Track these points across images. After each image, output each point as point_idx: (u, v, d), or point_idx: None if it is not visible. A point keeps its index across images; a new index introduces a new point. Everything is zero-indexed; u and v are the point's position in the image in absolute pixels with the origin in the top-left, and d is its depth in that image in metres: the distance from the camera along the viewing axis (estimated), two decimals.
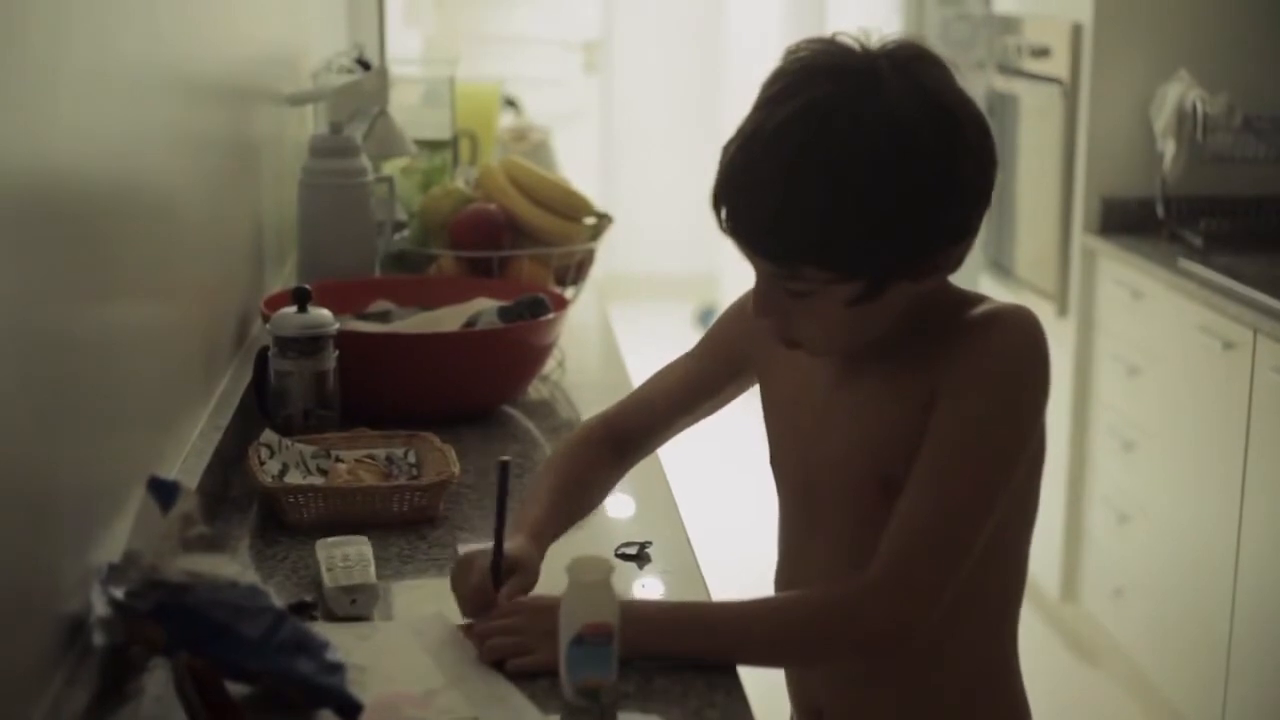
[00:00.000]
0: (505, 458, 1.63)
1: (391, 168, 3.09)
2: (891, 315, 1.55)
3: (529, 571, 1.64)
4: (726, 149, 1.53)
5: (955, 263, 1.55)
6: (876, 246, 1.48)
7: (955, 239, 1.52)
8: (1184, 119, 3.88)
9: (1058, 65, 4.18)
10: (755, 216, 1.51)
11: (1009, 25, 4.55)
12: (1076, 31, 4.10)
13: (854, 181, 1.45)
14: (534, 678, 1.53)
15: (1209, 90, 3.88)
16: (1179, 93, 3.90)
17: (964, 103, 1.51)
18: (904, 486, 1.54)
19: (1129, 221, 4.05)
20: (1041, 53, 4.28)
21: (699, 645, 1.57)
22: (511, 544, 1.66)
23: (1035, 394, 1.54)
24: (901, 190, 1.46)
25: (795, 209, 1.47)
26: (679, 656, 1.56)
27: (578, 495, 1.83)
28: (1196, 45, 4.05)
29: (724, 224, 1.54)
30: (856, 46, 1.50)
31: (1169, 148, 3.92)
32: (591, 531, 2.01)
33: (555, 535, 1.75)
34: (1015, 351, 1.53)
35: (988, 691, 1.67)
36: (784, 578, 1.77)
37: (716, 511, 5.10)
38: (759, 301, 1.58)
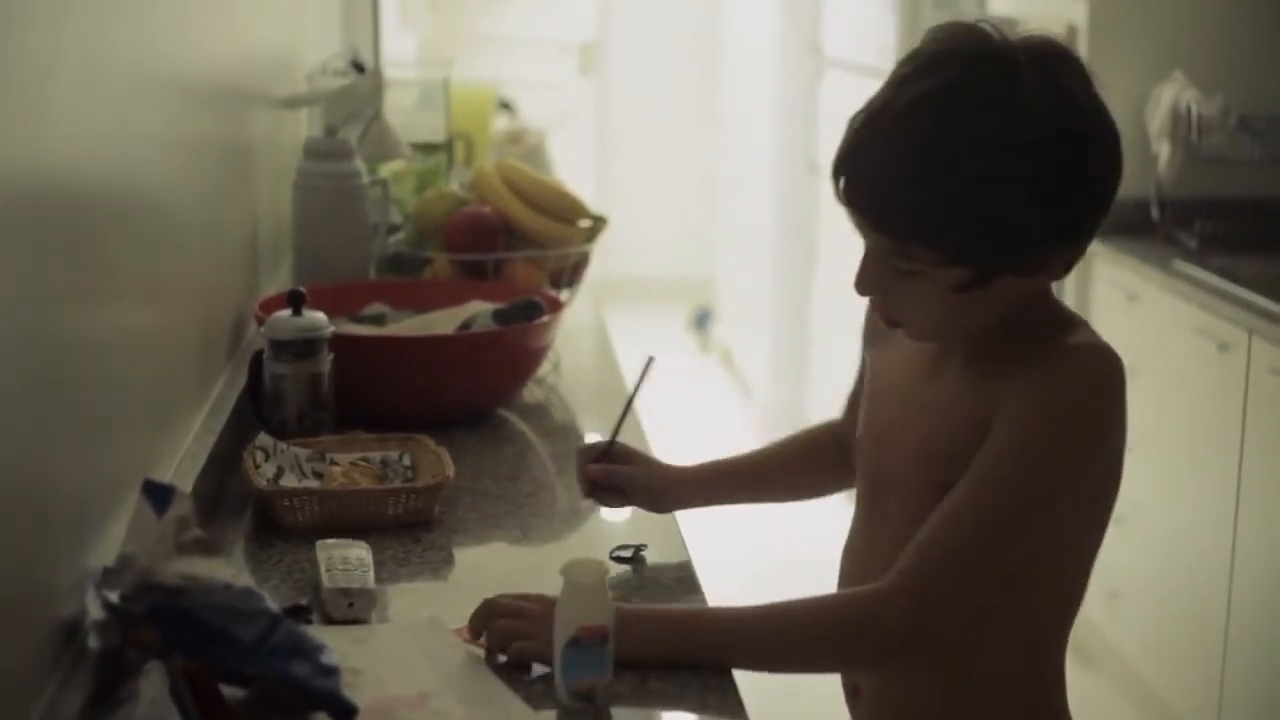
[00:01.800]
0: (653, 356, 1.82)
1: (386, 172, 3.09)
2: (993, 310, 1.55)
3: (630, 477, 1.85)
4: (852, 122, 1.53)
5: (1065, 267, 1.55)
6: (990, 234, 1.48)
7: (1069, 240, 1.52)
8: (1179, 120, 3.88)
9: None
10: (875, 190, 1.50)
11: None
12: (1071, 33, 4.10)
13: (977, 166, 1.45)
14: (530, 681, 1.53)
15: (1204, 91, 3.88)
16: (1173, 94, 3.90)
17: (1096, 104, 1.51)
18: None
19: (1124, 223, 4.04)
20: None
21: (715, 652, 1.57)
22: (645, 466, 1.87)
23: (1095, 432, 1.53)
24: (1022, 181, 1.46)
25: (915, 186, 1.47)
26: (694, 664, 1.55)
27: (757, 473, 1.96)
28: (1191, 46, 4.05)
29: (841, 194, 1.54)
30: (996, 35, 1.51)
31: (1164, 149, 3.92)
32: (587, 534, 2.02)
33: (700, 493, 1.91)
34: (1079, 389, 1.52)
35: (1032, 707, 1.65)
36: (845, 567, 1.76)
37: (712, 514, 5.10)
38: (862, 278, 1.58)
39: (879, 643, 1.55)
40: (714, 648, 1.57)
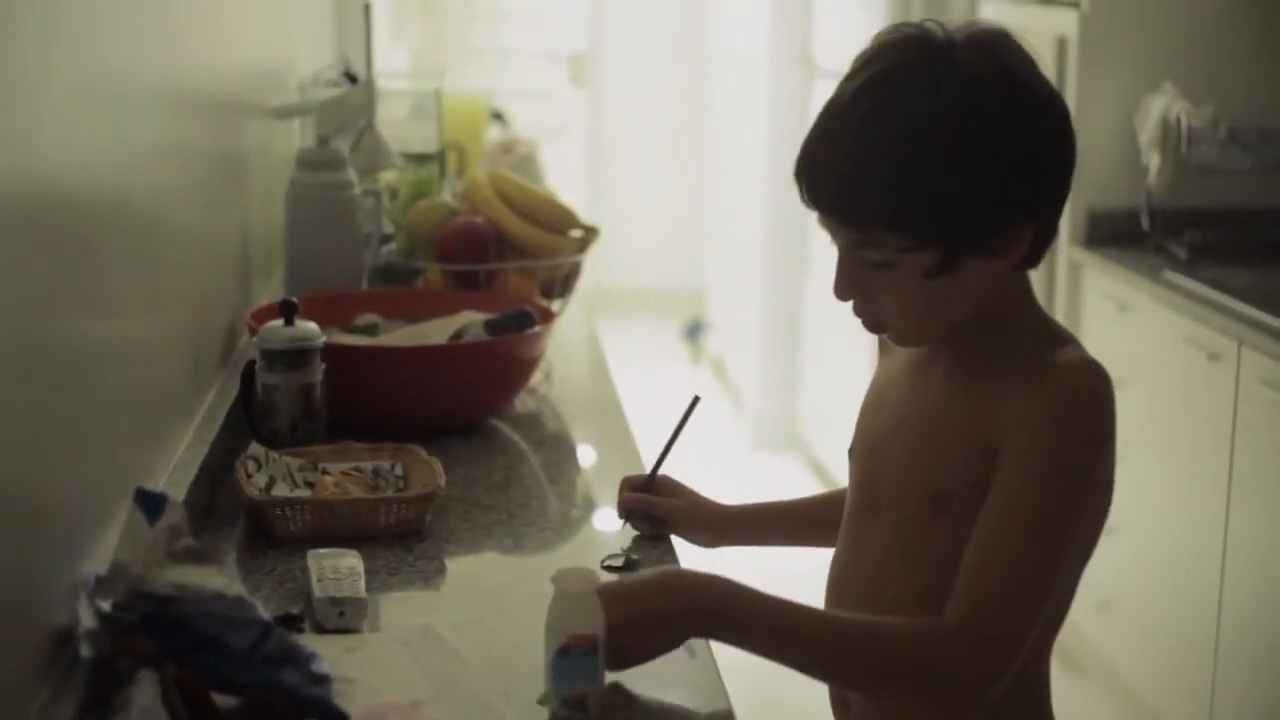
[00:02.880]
0: (699, 396, 1.92)
1: (381, 180, 3.09)
2: (969, 299, 1.55)
3: (671, 509, 1.91)
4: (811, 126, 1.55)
5: (1032, 251, 1.54)
6: (946, 211, 1.49)
7: (1026, 213, 1.51)
8: (1169, 131, 3.89)
9: None
10: (830, 183, 1.52)
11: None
12: (1061, 44, 4.11)
13: (923, 145, 1.47)
14: (520, 689, 1.54)
15: (1193, 102, 3.90)
16: (1163, 105, 3.91)
17: (1038, 78, 1.52)
18: (953, 508, 1.55)
19: (1114, 234, 4.06)
20: None
21: (797, 663, 1.55)
22: (688, 500, 1.92)
23: (1096, 448, 1.53)
24: (969, 154, 1.47)
25: (867, 173, 1.49)
26: (755, 654, 1.54)
27: (805, 516, 1.94)
28: (1180, 57, 4.06)
29: (804, 197, 1.55)
30: (936, 27, 1.52)
31: (1154, 160, 3.93)
32: (578, 543, 2.03)
33: (744, 532, 1.95)
34: (1085, 408, 1.52)
35: (1018, 707, 1.64)
36: (834, 574, 1.76)
37: None
38: (838, 281, 1.59)
39: (958, 687, 1.51)
40: (796, 658, 1.55)
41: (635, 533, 1.96)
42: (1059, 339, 1.59)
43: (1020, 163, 1.49)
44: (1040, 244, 1.55)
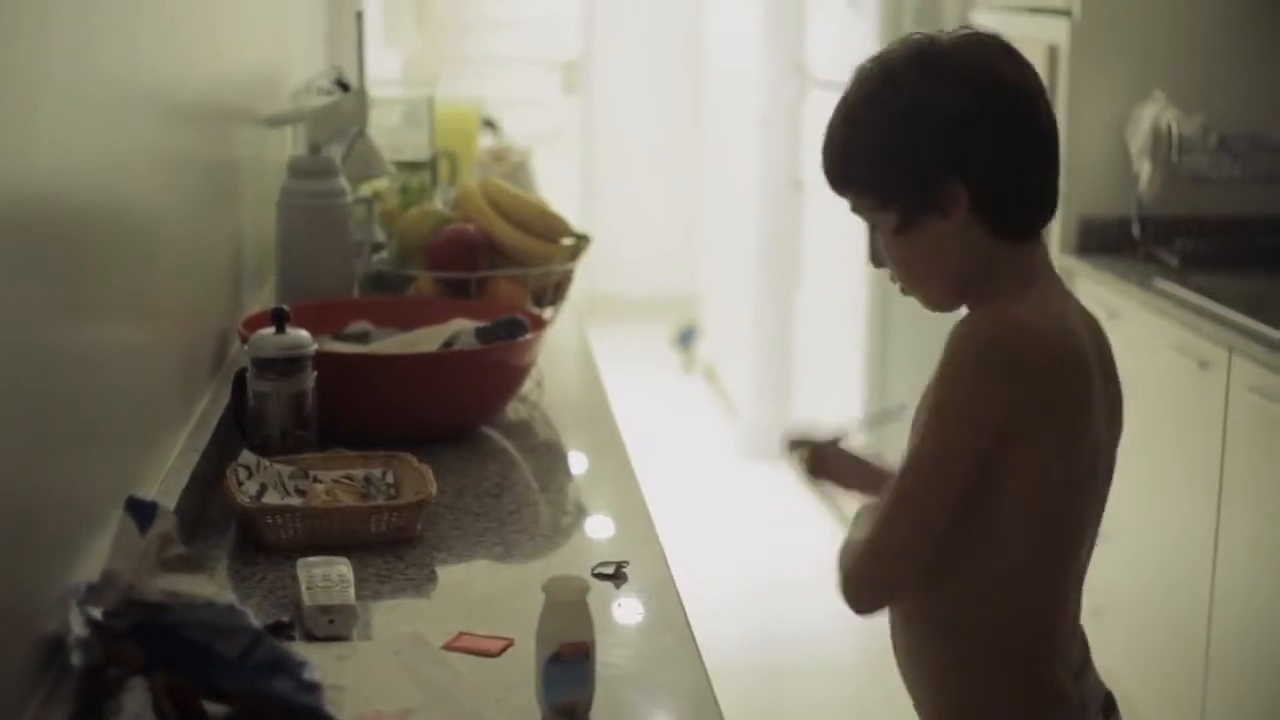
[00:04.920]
0: (906, 405, 1.91)
1: (381, 187, 3.09)
2: (948, 258, 1.72)
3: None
4: None
5: (987, 212, 1.69)
6: (885, 172, 1.71)
7: (957, 173, 1.67)
8: (1159, 140, 3.90)
9: None
10: (829, 159, 1.78)
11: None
12: (1052, 53, 4.12)
13: (857, 115, 1.73)
14: (511, 697, 1.54)
15: (1184, 111, 3.90)
16: (1154, 114, 3.92)
17: (956, 51, 1.71)
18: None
19: (1105, 241, 4.07)
20: None
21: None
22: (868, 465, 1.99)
23: (982, 390, 1.64)
24: (886, 117, 1.70)
25: (834, 146, 1.76)
26: None
27: None
28: (1171, 66, 4.07)
29: (826, 180, 1.79)
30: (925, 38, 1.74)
31: (1144, 168, 3.94)
32: (569, 551, 2.03)
33: None
34: (971, 353, 1.65)
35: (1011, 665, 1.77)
36: None
37: (695, 532, 5.10)
38: (869, 253, 1.81)
39: (843, 596, 1.73)
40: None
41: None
42: (1017, 296, 1.70)
43: (936, 127, 1.68)
44: (995, 208, 1.69)
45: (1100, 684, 1.87)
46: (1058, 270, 1.82)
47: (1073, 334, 1.68)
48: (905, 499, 1.67)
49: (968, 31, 1.75)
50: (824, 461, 1.99)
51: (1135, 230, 4.01)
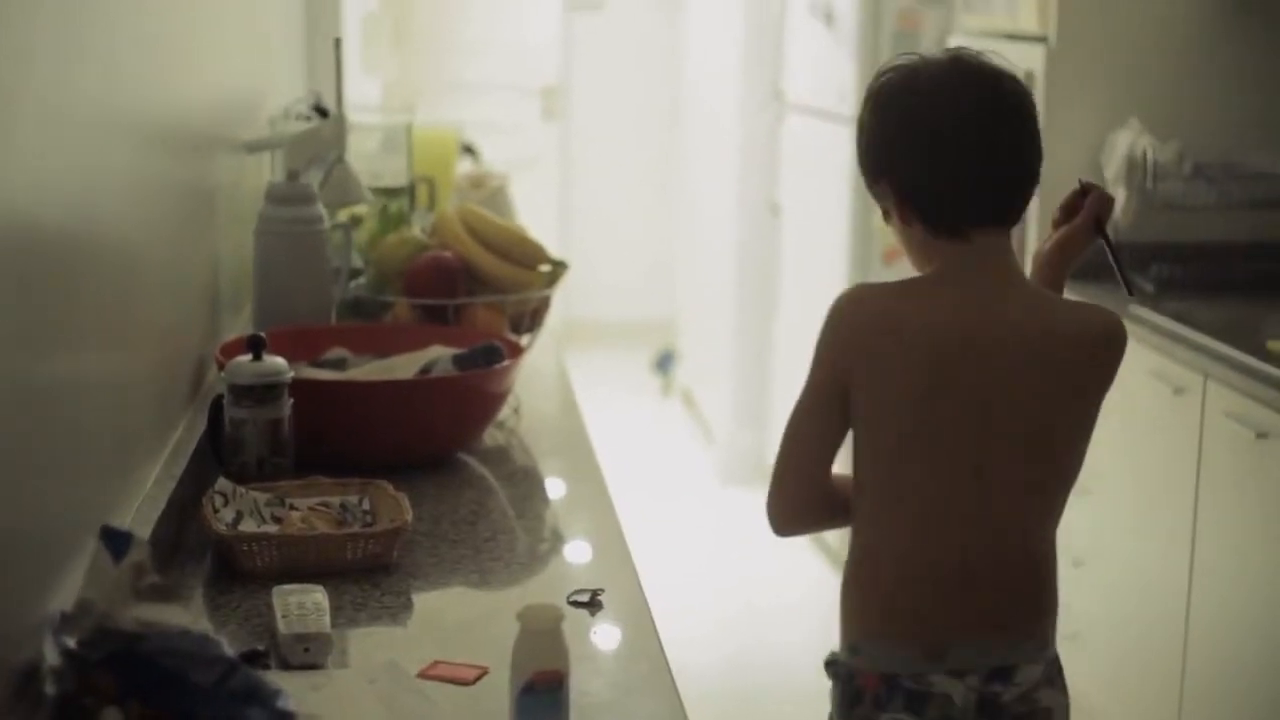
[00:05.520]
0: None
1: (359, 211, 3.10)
2: (913, 252, 1.97)
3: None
4: None
5: (917, 213, 1.92)
6: (863, 170, 2.00)
7: (886, 178, 1.93)
8: (1134, 166, 3.92)
9: None
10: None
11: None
12: (1028, 79, 4.12)
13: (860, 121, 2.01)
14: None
15: (1159, 138, 3.93)
16: (1129, 140, 3.95)
17: (888, 72, 1.95)
18: None
19: (1081, 267, 4.07)
20: None
21: None
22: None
23: (822, 344, 1.93)
24: (857, 136, 1.99)
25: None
26: None
27: None
28: (1146, 93, 4.10)
29: None
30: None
31: (1120, 195, 3.96)
32: (545, 578, 2.03)
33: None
34: (826, 314, 1.93)
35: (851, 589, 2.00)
36: None
37: (671, 559, 5.10)
38: None
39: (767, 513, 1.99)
40: None
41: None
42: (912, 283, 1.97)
43: (869, 145, 1.96)
44: (918, 209, 1.91)
45: (982, 659, 1.93)
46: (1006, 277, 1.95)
47: (898, 311, 1.90)
48: (785, 432, 1.95)
49: (925, 56, 1.96)
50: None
51: (1110, 256, 4.03)
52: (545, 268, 2.86)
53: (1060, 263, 2.11)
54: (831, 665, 1.96)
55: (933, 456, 1.89)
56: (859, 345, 1.89)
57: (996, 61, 1.97)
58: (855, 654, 1.93)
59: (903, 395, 1.88)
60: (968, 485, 1.90)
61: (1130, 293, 2.15)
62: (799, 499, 1.96)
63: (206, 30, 2.65)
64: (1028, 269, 2.08)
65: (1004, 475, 1.90)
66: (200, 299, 2.58)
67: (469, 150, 4.62)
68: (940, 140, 1.88)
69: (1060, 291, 2.09)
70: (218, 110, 2.80)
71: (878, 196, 1.97)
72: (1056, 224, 2.13)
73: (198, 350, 2.51)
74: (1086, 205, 2.10)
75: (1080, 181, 2.13)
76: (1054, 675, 1.97)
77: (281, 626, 1.72)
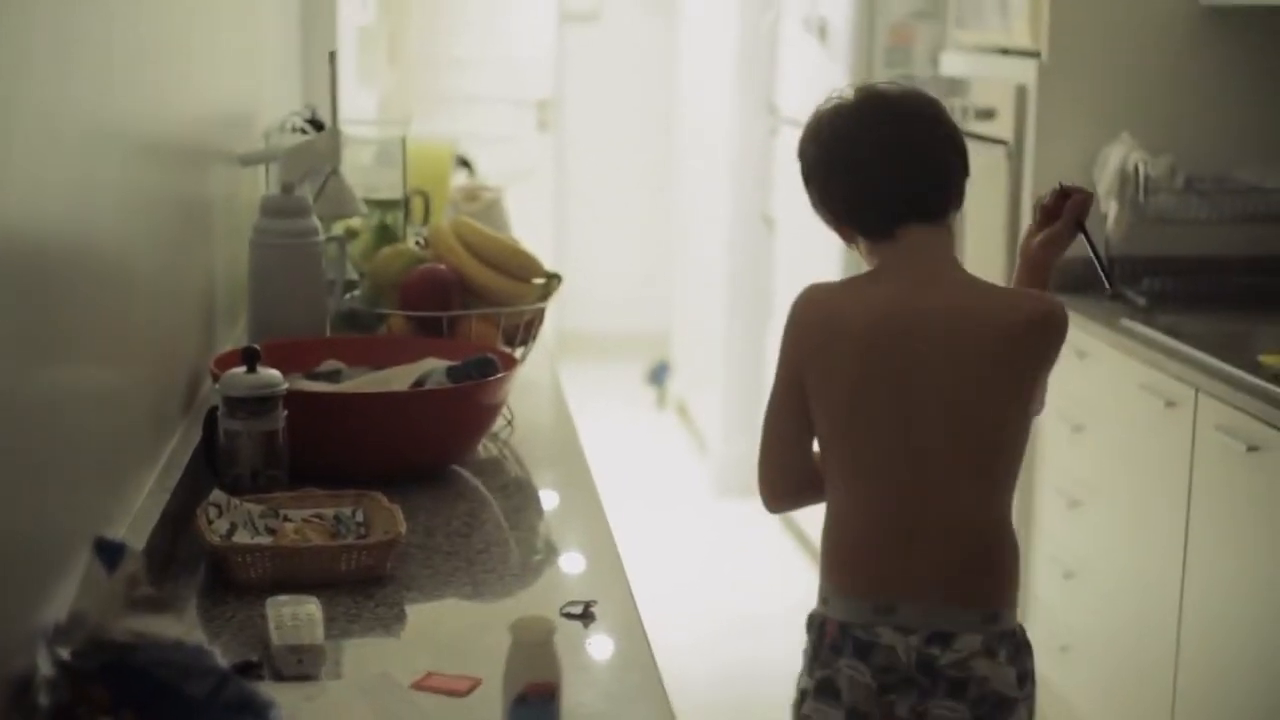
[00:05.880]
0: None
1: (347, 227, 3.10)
2: (865, 258, 2.23)
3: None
4: None
5: (847, 226, 2.21)
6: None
7: (815, 202, 2.23)
8: (1126, 180, 3.94)
9: (1002, 127, 4.24)
10: None
11: (955, 87, 4.61)
12: (1021, 94, 4.16)
13: None
14: None
15: (1151, 152, 3.94)
16: (1121, 155, 3.96)
17: (814, 114, 2.22)
18: None
19: (1073, 281, 4.07)
20: (986, 115, 4.34)
21: None
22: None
23: (782, 348, 2.21)
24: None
25: None
26: None
27: None
28: (1138, 108, 4.11)
29: None
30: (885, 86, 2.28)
31: (1112, 209, 3.97)
32: (538, 590, 2.04)
33: None
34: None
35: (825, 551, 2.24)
36: None
37: (663, 571, 5.11)
38: None
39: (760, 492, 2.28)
40: None
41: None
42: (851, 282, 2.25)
43: (804, 174, 2.24)
44: (850, 224, 2.20)
45: (924, 621, 2.12)
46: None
47: (839, 306, 2.17)
48: (763, 427, 2.22)
49: (842, 93, 2.22)
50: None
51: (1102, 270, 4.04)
52: (539, 281, 2.87)
53: (1044, 262, 2.30)
54: (809, 620, 2.22)
55: (872, 434, 2.14)
56: (808, 341, 2.17)
57: (903, 85, 2.28)
58: (825, 605, 2.19)
59: (843, 381, 2.14)
60: (904, 459, 2.12)
61: (1110, 285, 2.40)
62: (779, 484, 2.23)
63: (202, 43, 2.66)
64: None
65: (937, 449, 2.11)
66: (195, 311, 2.59)
67: (464, 163, 4.64)
68: (854, 161, 2.17)
69: (1045, 288, 2.29)
70: (213, 123, 2.81)
71: (823, 220, 2.23)
72: (1038, 225, 2.30)
73: (192, 362, 2.52)
74: (1068, 209, 2.27)
75: (1060, 184, 2.27)
76: (996, 648, 2.10)
77: (275, 638, 1.73)
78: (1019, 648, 2.13)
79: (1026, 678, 2.14)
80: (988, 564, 2.14)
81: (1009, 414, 2.13)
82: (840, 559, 2.18)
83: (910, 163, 2.14)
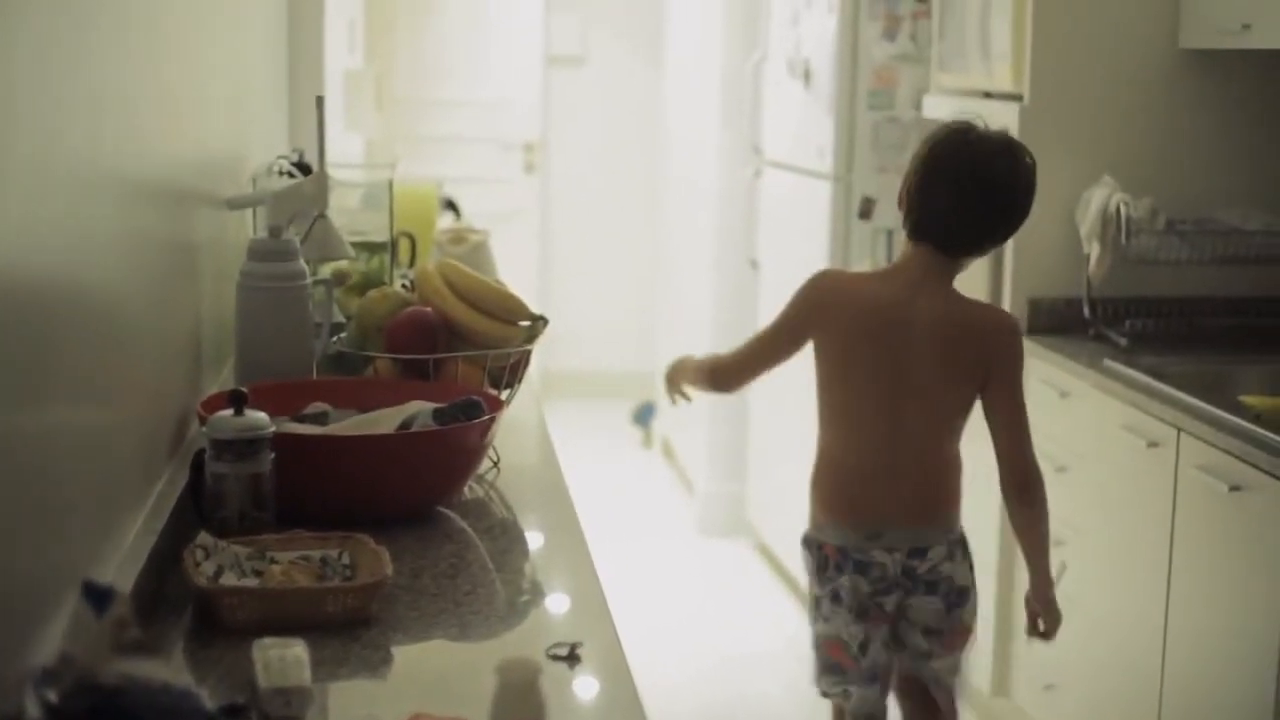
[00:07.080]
0: None
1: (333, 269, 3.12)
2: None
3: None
4: None
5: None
6: None
7: (900, 201, 2.98)
8: (1108, 222, 3.97)
9: None
10: None
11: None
12: None
13: None
14: None
15: (1132, 194, 3.97)
16: (1103, 196, 3.99)
17: (939, 133, 2.98)
18: None
19: (1056, 322, 4.12)
20: None
21: None
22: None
23: (791, 303, 2.97)
24: None
25: None
26: None
27: None
28: (1120, 150, 4.15)
29: None
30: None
31: (1094, 250, 4.00)
32: (524, 632, 2.04)
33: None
34: None
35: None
36: None
37: (649, 612, 5.11)
38: None
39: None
40: None
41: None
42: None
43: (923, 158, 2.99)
44: (908, 218, 2.92)
45: (905, 540, 2.89)
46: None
47: (845, 288, 2.97)
48: (751, 340, 3.04)
49: (957, 125, 2.94)
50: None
51: (1085, 311, 4.07)
52: (525, 323, 2.88)
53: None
54: (805, 540, 2.94)
55: (860, 389, 2.88)
56: (816, 306, 2.92)
57: (1007, 136, 2.95)
58: (819, 530, 2.92)
59: (837, 344, 2.88)
60: (886, 412, 2.86)
61: None
62: (740, 379, 3.10)
63: (190, 89, 2.68)
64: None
65: (913, 409, 2.86)
66: (182, 354, 2.60)
67: (450, 206, 4.66)
68: (932, 185, 2.87)
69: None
70: (201, 167, 2.83)
71: (900, 200, 2.92)
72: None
73: (180, 405, 2.53)
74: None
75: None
76: (954, 552, 2.91)
77: (262, 680, 1.73)
78: (964, 546, 2.94)
79: (972, 567, 2.96)
80: (946, 492, 2.92)
81: (966, 389, 2.88)
82: (829, 492, 2.92)
83: (988, 216, 2.86)
